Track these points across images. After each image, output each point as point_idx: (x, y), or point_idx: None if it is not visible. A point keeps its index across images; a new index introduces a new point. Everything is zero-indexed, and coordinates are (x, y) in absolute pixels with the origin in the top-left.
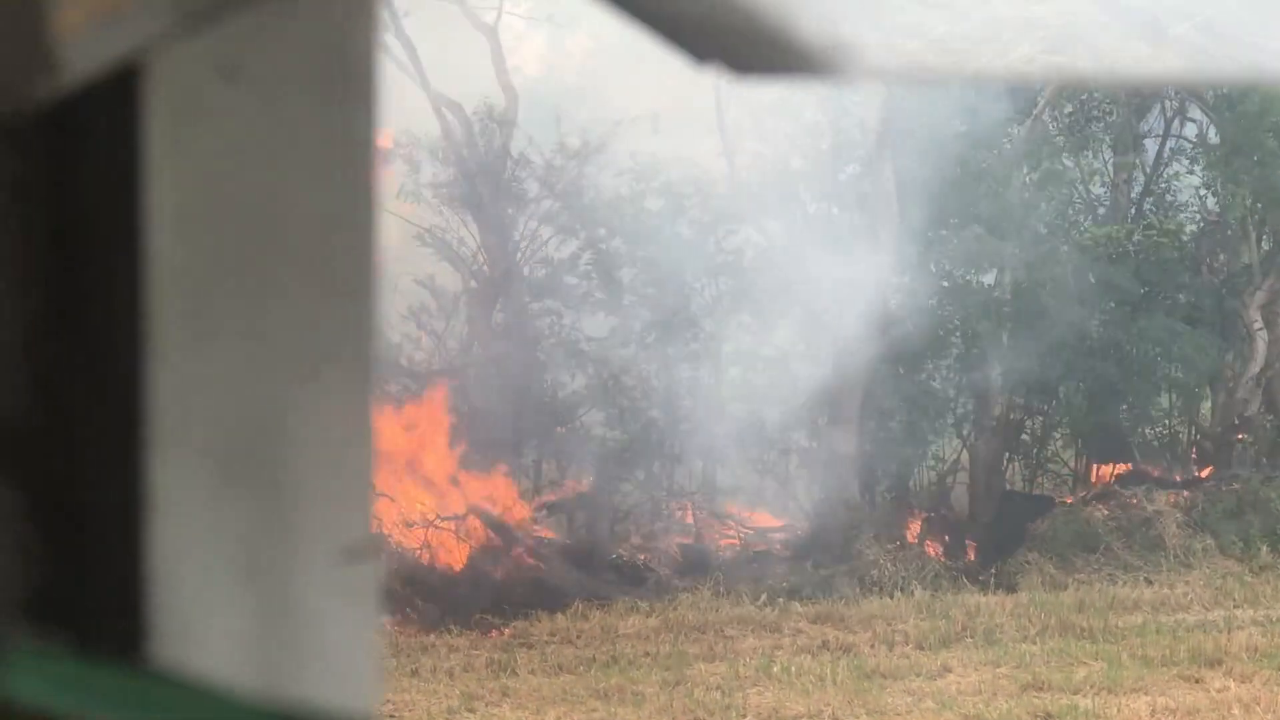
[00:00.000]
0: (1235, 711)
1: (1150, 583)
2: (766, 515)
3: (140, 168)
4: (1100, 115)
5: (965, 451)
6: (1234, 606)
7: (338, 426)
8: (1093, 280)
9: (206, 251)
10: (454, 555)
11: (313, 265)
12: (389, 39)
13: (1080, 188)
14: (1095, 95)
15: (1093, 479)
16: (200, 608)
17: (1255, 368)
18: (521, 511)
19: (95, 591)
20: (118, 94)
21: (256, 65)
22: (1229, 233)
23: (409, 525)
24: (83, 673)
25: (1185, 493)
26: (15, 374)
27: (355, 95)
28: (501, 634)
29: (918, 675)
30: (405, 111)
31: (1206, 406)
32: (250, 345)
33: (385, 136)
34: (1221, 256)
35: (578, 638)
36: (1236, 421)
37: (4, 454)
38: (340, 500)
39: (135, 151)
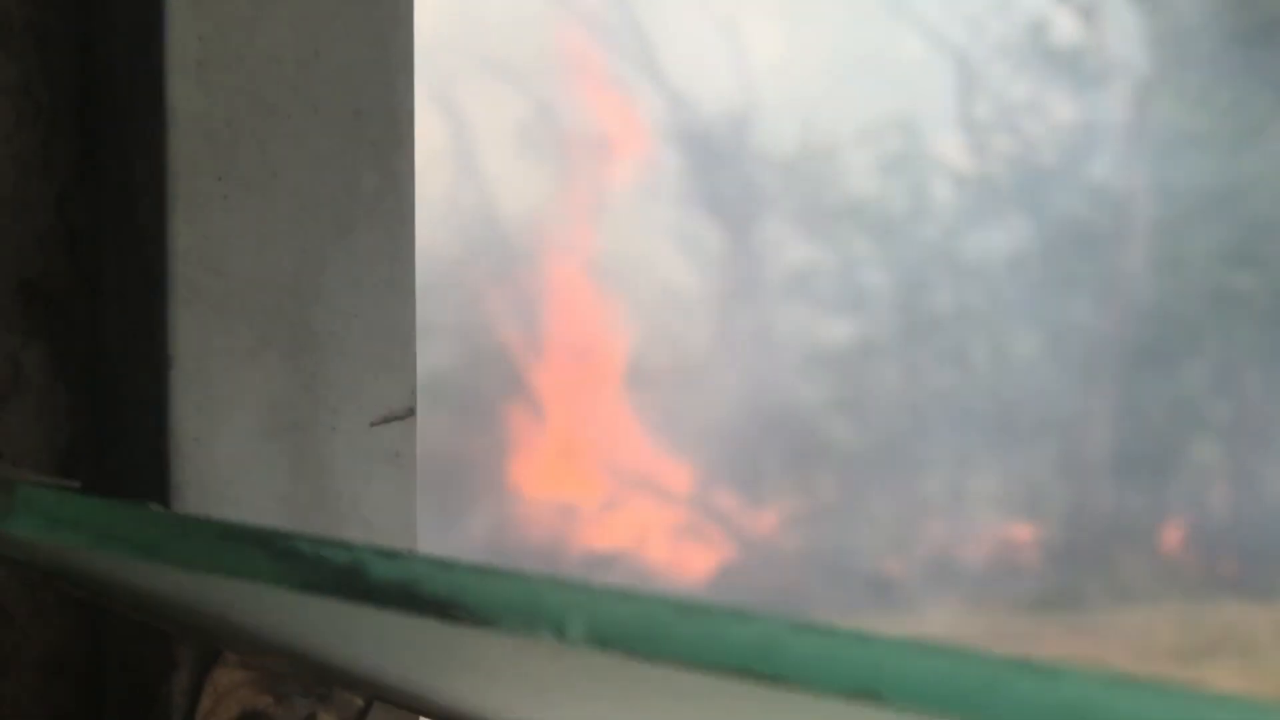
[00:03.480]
0: None
1: None
2: (1018, 524)
3: (161, 15)
4: None
5: (1223, 455)
6: None
7: (375, 286)
8: None
9: (230, 101)
10: (696, 568)
11: (344, 117)
12: (620, 29)
13: None
14: None
15: None
16: (231, 467)
17: None
18: (766, 523)
19: (123, 450)
20: None
21: None
22: None
23: (647, 537)
24: (93, 510)
25: None
26: (45, 234)
27: None
28: None
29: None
30: (640, 106)
31: None
32: (280, 200)
33: (621, 131)
34: None
35: None
36: None
37: (36, 312)
38: (378, 361)
39: (154, 0)
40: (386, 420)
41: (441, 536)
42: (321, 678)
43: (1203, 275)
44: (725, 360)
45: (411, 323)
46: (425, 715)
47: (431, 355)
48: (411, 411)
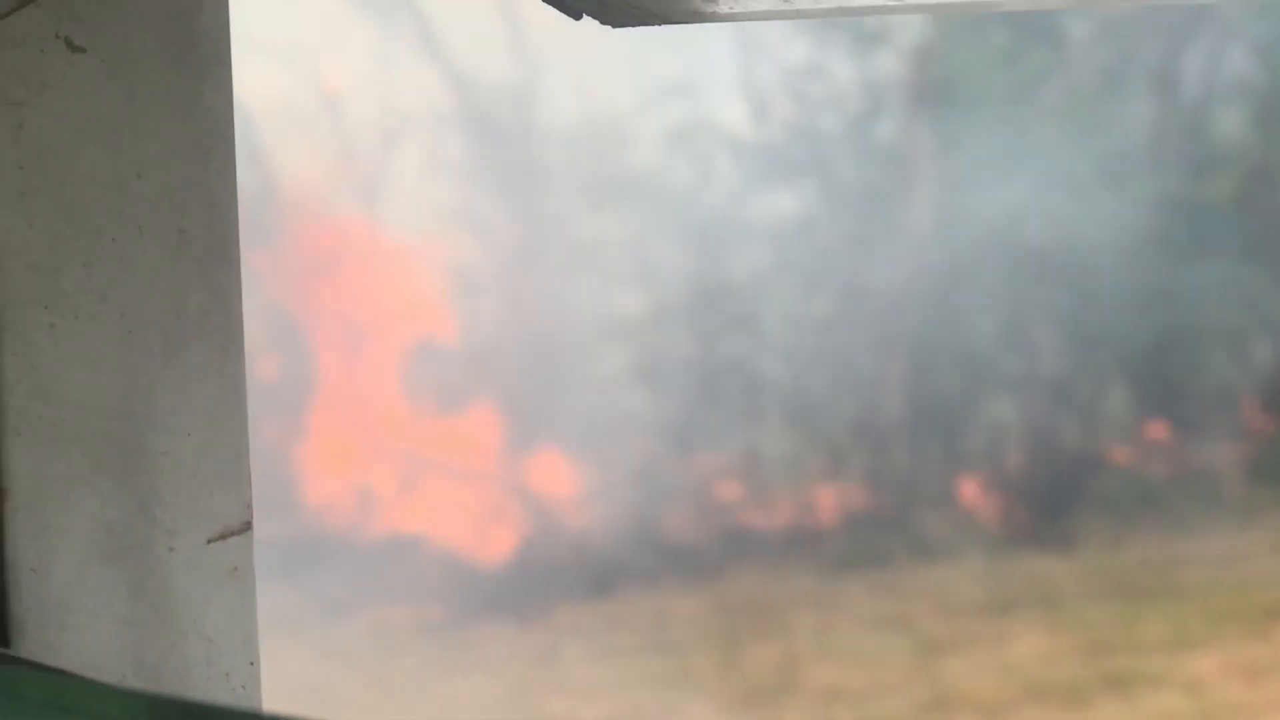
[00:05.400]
0: None
1: (1213, 538)
2: (819, 487)
3: None
4: (1137, 57)
5: (1017, 411)
6: None
7: (207, 405)
8: (1142, 231)
9: (53, 228)
10: (498, 543)
11: (169, 236)
12: (396, 11)
13: (1122, 135)
14: (1131, 34)
15: (1149, 434)
16: (69, 594)
17: None
18: (566, 495)
19: None
20: None
21: (104, 36)
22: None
23: (449, 515)
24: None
25: (1245, 444)
26: None
27: (209, 66)
28: (549, 622)
29: (978, 644)
30: (419, 87)
31: (1263, 355)
32: (108, 323)
33: (399, 114)
34: (1273, 200)
35: (627, 623)
36: None
37: None
38: (212, 478)
39: None
40: (224, 536)
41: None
42: None
43: (991, 232)
44: (516, 335)
45: (245, 437)
46: None
47: None
48: (248, 525)
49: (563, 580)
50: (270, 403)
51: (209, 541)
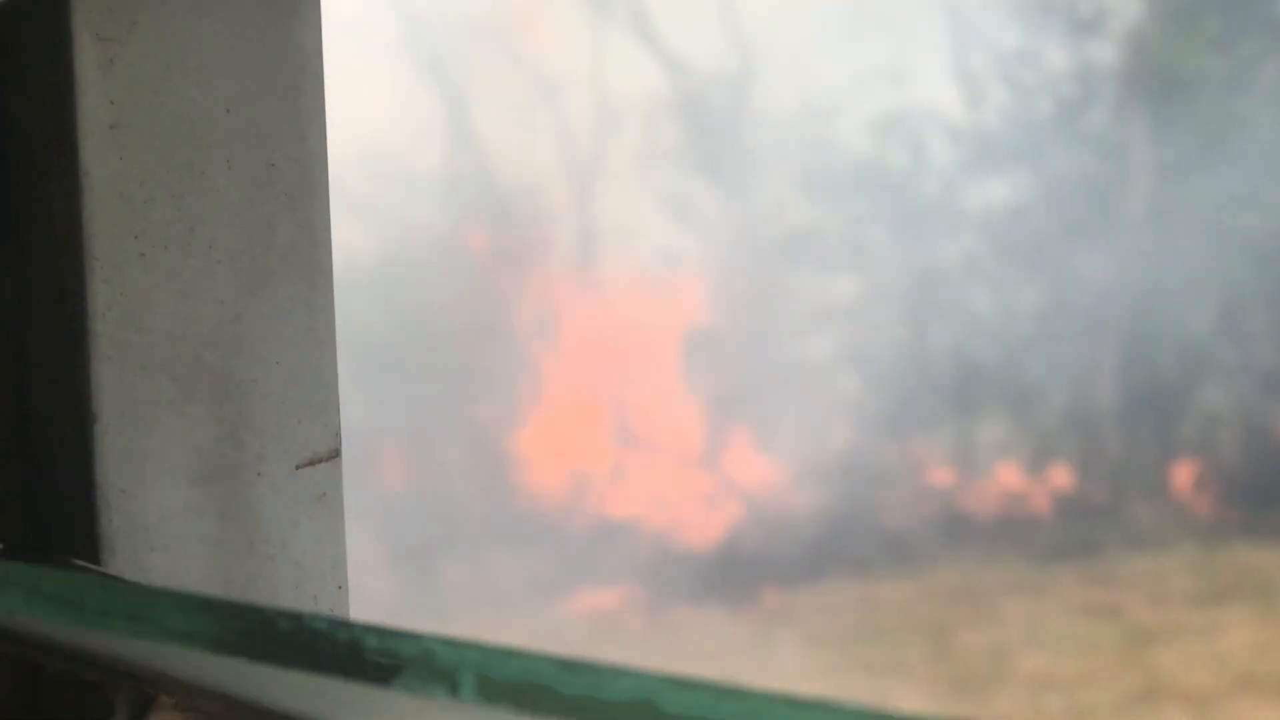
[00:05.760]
0: None
1: None
2: (1031, 475)
3: (72, 80)
4: None
5: (1231, 400)
6: None
7: (294, 335)
8: None
9: (143, 161)
10: (707, 528)
11: (257, 170)
12: (614, 2)
13: None
14: None
15: None
16: (159, 516)
17: None
18: (775, 480)
19: (51, 503)
20: (46, 8)
21: None
22: None
23: (660, 500)
24: (19, 573)
25: None
26: None
27: (299, 4)
28: (758, 607)
29: (1189, 634)
30: (633, 72)
31: None
32: (197, 254)
33: (613, 99)
34: None
35: (837, 609)
36: None
37: None
38: (301, 406)
39: (66, 65)
40: (312, 463)
41: (456, 509)
42: None
43: (1204, 219)
44: (729, 321)
45: (333, 366)
46: None
47: (438, 326)
48: (336, 453)
49: (772, 565)
50: (490, 389)
51: (297, 468)
